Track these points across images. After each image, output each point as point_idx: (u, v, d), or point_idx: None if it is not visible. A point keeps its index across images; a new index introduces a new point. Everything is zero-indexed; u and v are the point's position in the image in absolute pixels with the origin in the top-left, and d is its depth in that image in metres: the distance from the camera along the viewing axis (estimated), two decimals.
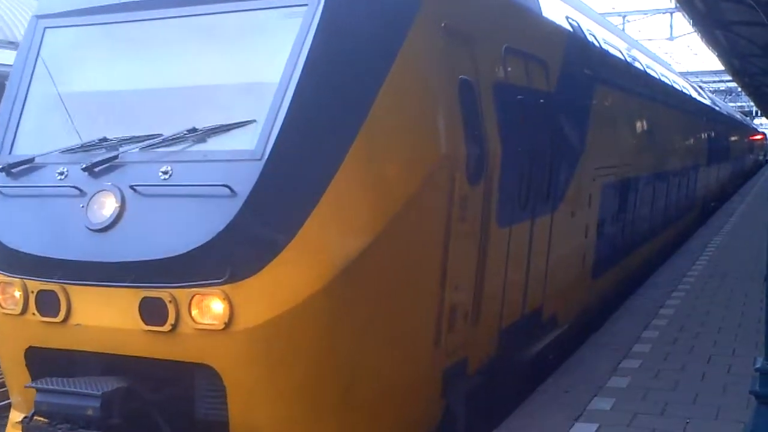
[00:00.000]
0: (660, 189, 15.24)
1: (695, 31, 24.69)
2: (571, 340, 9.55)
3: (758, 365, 5.85)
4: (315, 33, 5.33)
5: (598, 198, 10.24)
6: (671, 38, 36.47)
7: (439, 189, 5.90)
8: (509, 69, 7.23)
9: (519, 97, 7.34)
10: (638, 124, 13.38)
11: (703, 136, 23.06)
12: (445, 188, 5.94)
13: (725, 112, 35.32)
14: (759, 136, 60.55)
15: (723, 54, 30.82)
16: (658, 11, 35.10)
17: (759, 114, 76.98)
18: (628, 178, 12.09)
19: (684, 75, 27.38)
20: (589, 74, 10.07)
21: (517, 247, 7.40)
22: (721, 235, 19.12)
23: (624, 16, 35.01)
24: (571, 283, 9.55)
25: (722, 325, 9.98)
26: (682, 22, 35.55)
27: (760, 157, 66.31)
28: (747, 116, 64.86)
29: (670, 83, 17.91)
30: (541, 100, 7.92)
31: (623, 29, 30.45)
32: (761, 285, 11.51)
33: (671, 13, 33.71)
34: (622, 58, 12.81)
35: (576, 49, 9.64)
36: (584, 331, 9.98)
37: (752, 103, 68.45)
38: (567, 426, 6.59)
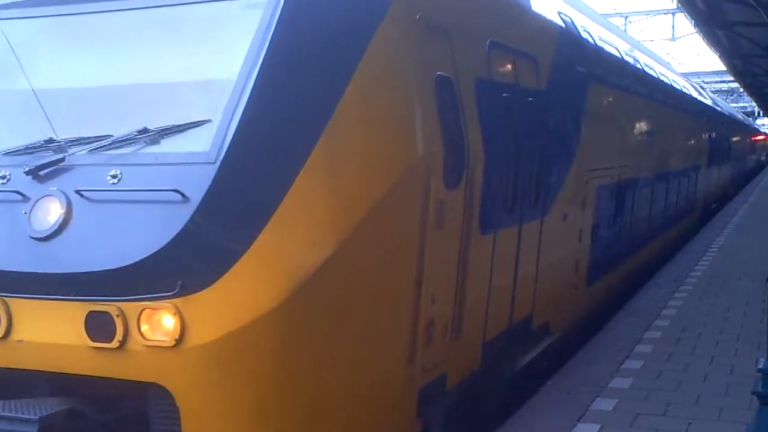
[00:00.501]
0: (659, 191, 14.89)
1: (697, 31, 24.70)
2: (570, 345, 9.55)
3: (761, 366, 5.84)
4: (276, 27, 5.00)
5: (592, 201, 9.89)
6: (673, 39, 36.44)
7: (411, 194, 5.47)
8: (494, 65, 6.81)
9: (505, 95, 6.96)
10: (636, 125, 13.01)
11: (704, 136, 22.60)
12: (418, 193, 5.51)
13: (726, 113, 34.69)
14: (761, 137, 60.44)
15: (725, 55, 30.80)
16: (659, 12, 35.08)
17: (761, 114, 76.91)
18: (625, 180, 11.70)
19: (686, 75, 27.11)
20: (583, 72, 9.69)
21: (503, 255, 6.97)
22: (723, 236, 19.10)
23: (626, 17, 34.99)
24: (564, 290, 9.19)
25: (724, 326, 9.97)
26: (684, 23, 35.57)
27: (763, 158, 66.10)
28: (749, 117, 64.81)
29: (669, 82, 17.44)
30: (530, 99, 7.53)
31: (625, 30, 30.45)
32: (763, 285, 11.52)
33: (673, 14, 33.69)
34: (619, 56, 12.34)
35: (569, 46, 9.25)
36: (580, 338, 9.70)
37: (755, 104, 68.43)
38: (569, 426, 6.59)
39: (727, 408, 6.99)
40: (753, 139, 51.37)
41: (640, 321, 10.31)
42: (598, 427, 6.58)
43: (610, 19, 25.97)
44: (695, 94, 22.87)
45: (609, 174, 10.73)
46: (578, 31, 9.80)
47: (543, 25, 8.61)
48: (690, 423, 6.67)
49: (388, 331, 5.45)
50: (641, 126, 13.37)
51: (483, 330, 6.82)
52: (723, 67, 38.55)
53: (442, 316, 5.98)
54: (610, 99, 11.26)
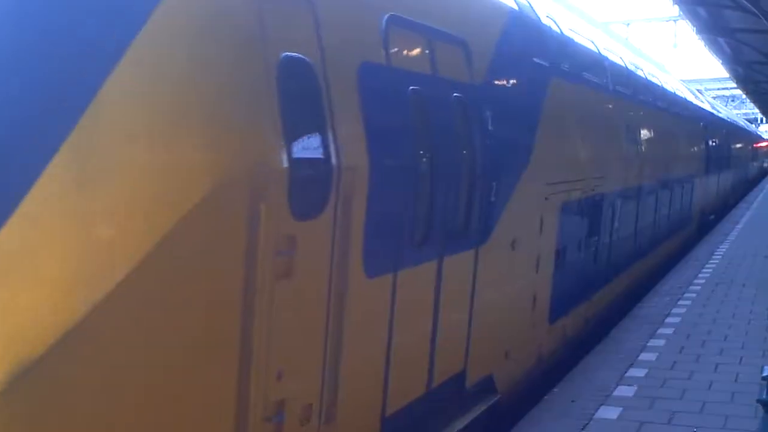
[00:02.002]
0: (646, 205, 13.43)
1: (699, 38, 24.73)
2: (577, 349, 9.52)
3: (766, 373, 5.82)
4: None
5: (554, 221, 8.34)
6: (675, 46, 36.44)
7: (219, 229, 3.85)
8: (395, 47, 5.27)
9: (414, 87, 5.37)
10: (616, 130, 11.40)
11: (701, 142, 21.08)
12: (234, 227, 3.91)
13: (726, 118, 33.49)
14: (764, 144, 60.25)
15: (727, 61, 30.86)
16: (661, 19, 35.12)
17: (764, 121, 76.93)
18: (601, 195, 10.17)
19: (688, 82, 26.96)
20: (543, 65, 8.17)
21: (409, 301, 5.41)
22: (727, 243, 19.06)
23: (628, 24, 35.02)
24: (515, 333, 7.71)
25: (729, 334, 9.94)
26: (686, 30, 35.58)
27: (766, 165, 65.78)
28: (752, 123, 64.76)
29: (659, 84, 15.94)
30: (457, 94, 6.03)
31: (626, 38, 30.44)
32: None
33: (674, 21, 33.73)
34: (595, 50, 10.84)
35: (522, 33, 7.81)
36: (544, 384, 8.21)
37: (757, 110, 68.44)
38: None
39: (732, 416, 6.96)
40: (755, 146, 50.98)
41: (644, 329, 10.27)
42: None
43: (612, 26, 25.97)
44: (691, 98, 21.58)
45: (578, 188, 9.15)
46: (537, 17, 8.36)
47: (481, 3, 7.28)
48: (695, 431, 6.64)
49: (193, 421, 3.89)
50: (623, 131, 11.78)
51: (382, 402, 5.31)
52: (725, 74, 38.60)
53: (301, 395, 4.47)
54: (582, 99, 9.71)
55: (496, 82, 6.96)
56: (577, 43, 9.92)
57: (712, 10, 21.19)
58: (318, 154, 4.45)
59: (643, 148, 13.04)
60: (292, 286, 4.27)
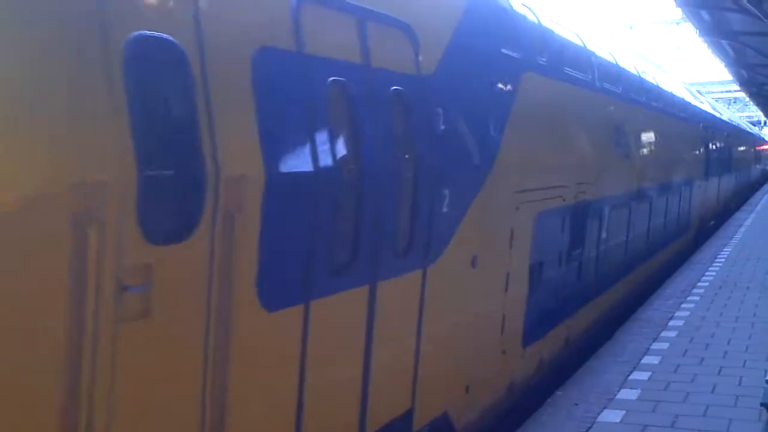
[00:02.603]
0: (639, 212, 12.54)
1: (703, 41, 24.73)
2: (580, 352, 9.52)
3: None
4: None
5: (527, 234, 7.48)
6: (678, 48, 36.43)
7: (26, 260, 2.94)
8: (309, 29, 4.33)
9: (333, 79, 4.54)
10: (603, 132, 10.45)
11: (700, 145, 20.14)
12: (49, 257, 3.02)
13: (728, 120, 32.19)
14: (767, 146, 60.07)
15: (731, 64, 30.83)
16: (665, 22, 35.13)
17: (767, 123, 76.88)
18: (587, 203, 9.29)
19: (691, 85, 26.84)
20: (514, 57, 7.24)
21: (328, 336, 4.57)
22: (730, 246, 19.04)
23: (631, 27, 35.03)
24: (479, 362, 6.75)
25: (732, 337, 9.93)
26: (690, 33, 35.59)
27: None
28: (755, 126, 64.65)
29: (654, 83, 14.78)
30: (396, 88, 5.14)
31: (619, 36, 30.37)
32: None
33: (677, 24, 33.73)
34: (580, 43, 9.82)
35: (489, 20, 6.91)
36: (522, 413, 7.50)
37: (761, 113, 68.40)
38: None
39: (736, 420, 6.95)
40: (758, 148, 50.71)
41: (648, 332, 10.27)
42: None
43: (615, 29, 25.93)
44: (690, 98, 20.42)
45: (558, 195, 8.32)
46: (509, 3, 7.47)
47: None
48: None
49: None
50: (613, 133, 10.89)
51: None
52: (729, 77, 38.60)
53: None
54: (564, 97, 8.75)
55: (452, 75, 5.94)
56: (557, 35, 8.90)
57: (715, 13, 21.18)
58: (184, 160, 3.59)
59: (636, 151, 12.31)
60: (148, 331, 3.34)
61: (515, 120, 7.07)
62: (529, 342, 7.86)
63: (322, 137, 4.44)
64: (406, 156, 5.32)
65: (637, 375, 8.33)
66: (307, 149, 4.30)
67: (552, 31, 8.71)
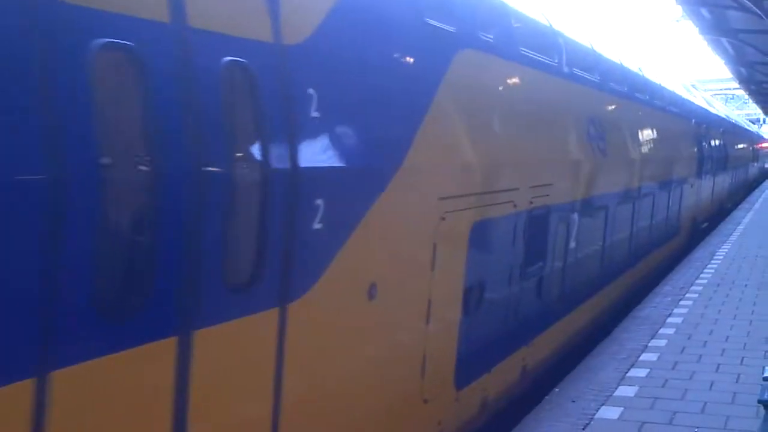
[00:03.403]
0: (617, 217, 11.07)
1: (703, 38, 24.73)
2: (580, 349, 9.52)
3: (767, 374, 5.83)
4: None
5: (459, 249, 6.11)
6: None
7: None
8: None
9: (112, 42, 3.18)
10: (573, 125, 8.95)
11: (692, 142, 18.80)
12: None
13: (724, 116, 31.07)
14: (766, 144, 59.95)
15: (730, 62, 30.83)
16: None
17: (767, 121, 76.93)
18: (547, 208, 7.92)
19: (691, 84, 26.66)
20: (445, 30, 5.94)
21: (104, 410, 3.15)
22: (728, 244, 19.05)
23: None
24: (381, 419, 5.28)
25: (730, 334, 9.93)
26: (690, 30, 35.51)
27: (767, 166, 65.22)
28: (754, 124, 64.62)
29: (639, 72, 13.36)
30: (236, 59, 3.81)
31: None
32: None
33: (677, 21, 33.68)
34: (545, 22, 8.56)
35: None
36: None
37: (760, 111, 68.46)
38: None
39: (733, 416, 6.96)
40: (757, 146, 50.42)
41: (645, 329, 10.27)
42: None
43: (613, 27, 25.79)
44: (681, 92, 19.00)
45: (505, 201, 6.89)
46: None
47: None
48: (696, 431, 6.64)
49: None
50: (585, 127, 9.32)
51: None
52: (728, 75, 38.60)
53: None
54: (517, 82, 7.48)
55: (337, 47, 4.62)
56: (512, 9, 7.59)
57: (715, 11, 21.18)
58: None
59: (615, 148, 10.74)
60: None
61: (442, 107, 5.75)
62: (467, 382, 6.43)
63: (78, 122, 3.01)
64: (240, 153, 3.88)
65: (635, 372, 8.33)
66: (35, 141, 2.85)
67: (504, 4, 7.41)
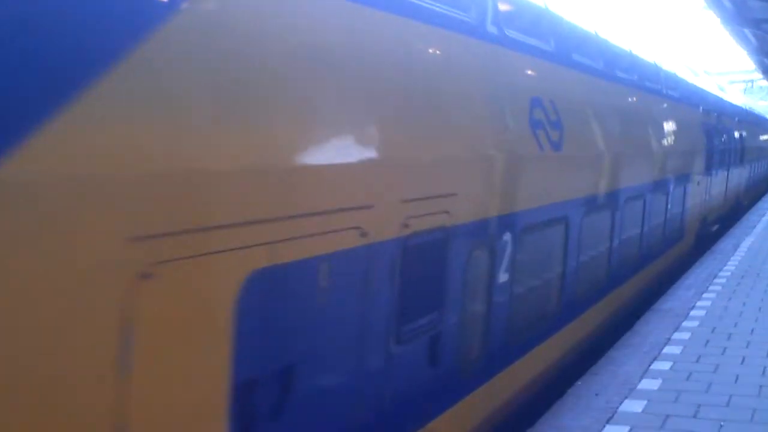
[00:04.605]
0: (584, 231, 8.43)
1: (725, 29, 24.48)
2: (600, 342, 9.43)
3: None
4: None
5: (217, 323, 3.49)
6: None
7: None
8: None
9: None
10: (495, 104, 6.22)
11: (700, 132, 16.46)
12: None
13: (740, 104, 27.98)
14: None
15: (753, 52, 30.50)
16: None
17: None
18: (441, 232, 5.27)
19: (716, 75, 26.16)
20: None
21: None
22: (753, 235, 18.84)
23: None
24: None
25: (755, 327, 9.82)
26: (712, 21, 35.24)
27: None
28: None
29: (627, 49, 11.23)
30: None
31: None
32: None
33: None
34: None
35: None
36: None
37: None
38: (598, 428, 6.51)
39: (760, 409, 6.88)
40: None
41: (669, 322, 10.17)
42: (627, 428, 6.49)
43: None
44: (686, 75, 16.75)
45: (346, 227, 4.28)
46: None
47: None
48: (722, 425, 6.56)
49: None
50: (519, 109, 6.63)
51: None
52: (751, 66, 38.18)
53: None
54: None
55: None
56: None
57: (737, 1, 20.96)
58: None
59: (576, 140, 7.96)
60: None
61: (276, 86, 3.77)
62: None
63: None
64: None
65: (658, 365, 8.25)
66: None
67: None
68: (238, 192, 3.54)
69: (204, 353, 3.43)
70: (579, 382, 7.83)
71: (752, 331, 9.62)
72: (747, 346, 8.92)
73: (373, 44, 4.75)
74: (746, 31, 24.65)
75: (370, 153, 4.61)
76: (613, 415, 6.79)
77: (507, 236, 6.41)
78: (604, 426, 6.56)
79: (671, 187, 13.39)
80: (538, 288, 7.64)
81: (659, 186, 12.39)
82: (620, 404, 7.05)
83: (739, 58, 41.06)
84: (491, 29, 6.26)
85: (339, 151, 4.34)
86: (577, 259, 8.41)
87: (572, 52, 8.34)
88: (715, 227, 19.78)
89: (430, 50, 5.52)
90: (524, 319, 7.12)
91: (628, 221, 10.47)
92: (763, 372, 7.94)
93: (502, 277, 6.40)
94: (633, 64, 11.37)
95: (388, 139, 4.76)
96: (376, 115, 4.69)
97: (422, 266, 5.15)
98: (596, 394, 7.35)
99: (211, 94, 3.44)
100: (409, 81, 5.09)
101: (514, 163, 6.53)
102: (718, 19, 23.13)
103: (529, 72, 7.20)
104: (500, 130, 6.35)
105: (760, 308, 10.84)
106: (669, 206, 13.36)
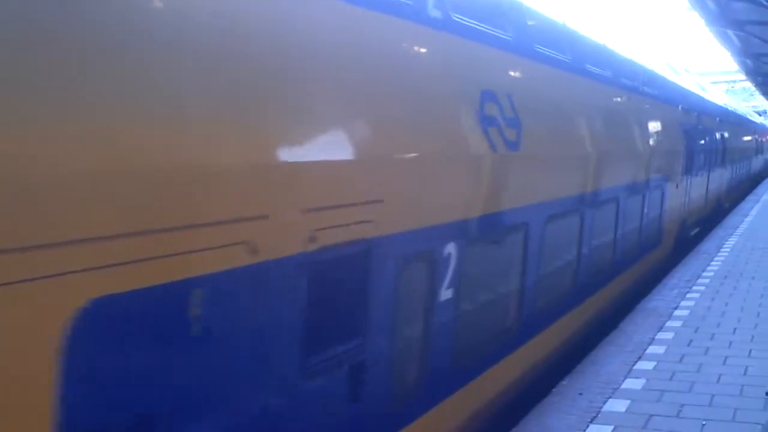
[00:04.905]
0: (547, 239, 7.70)
1: (709, 30, 24.64)
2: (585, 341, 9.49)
3: None
4: None
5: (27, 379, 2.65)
6: None
7: None
8: None
9: None
10: (437, 97, 5.53)
11: (679, 132, 15.73)
12: None
13: (722, 104, 27.64)
14: None
15: (736, 53, 30.72)
16: None
17: None
18: (362, 245, 4.54)
19: (699, 75, 26.40)
20: None
21: None
22: (735, 236, 18.98)
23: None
24: None
25: (738, 327, 9.89)
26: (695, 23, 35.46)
27: None
28: (761, 116, 64.25)
29: (598, 42, 10.53)
30: None
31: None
32: None
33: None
34: None
35: None
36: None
37: (766, 103, 68.17)
38: (582, 428, 6.54)
39: (741, 409, 6.93)
40: (764, 139, 49.62)
41: (652, 322, 10.23)
42: (611, 428, 6.53)
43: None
44: (665, 72, 16.15)
45: (229, 242, 3.47)
46: None
47: None
48: (704, 424, 6.61)
49: None
50: (469, 104, 5.93)
51: None
52: (734, 67, 38.44)
53: None
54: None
55: None
56: None
57: (721, 2, 21.10)
58: None
59: (537, 138, 7.20)
60: None
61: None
62: None
63: None
64: None
65: (642, 365, 8.30)
66: None
67: None
68: (65, 202, 2.65)
69: (15, 414, 2.55)
70: (563, 382, 7.87)
71: (734, 331, 9.69)
72: (729, 346, 8.98)
73: (269, 22, 3.89)
74: (730, 32, 24.82)
75: (264, 152, 3.71)
76: (596, 415, 6.83)
77: (450, 247, 5.59)
78: (587, 425, 6.59)
79: (648, 190, 12.60)
80: (490, 305, 6.88)
81: (634, 189, 11.68)
82: (604, 404, 7.10)
83: (722, 59, 41.39)
84: (434, 13, 5.52)
85: (219, 149, 3.41)
86: (536, 271, 7.60)
87: (535, 42, 7.57)
88: (695, 231, 19.13)
89: (355, 34, 4.64)
90: (472, 340, 6.33)
91: (598, 227, 9.74)
92: (745, 372, 8.00)
93: (444, 294, 5.58)
94: (607, 58, 10.63)
95: (291, 136, 3.91)
96: (274, 105, 3.80)
97: (338, 286, 4.40)
98: (580, 394, 7.39)
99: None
100: (324, 66, 4.26)
101: (457, 164, 5.74)
102: (702, 21, 23.26)
103: (480, 62, 6.31)
104: (440, 127, 5.54)
105: (742, 308, 10.92)
106: (645, 210, 12.58)
